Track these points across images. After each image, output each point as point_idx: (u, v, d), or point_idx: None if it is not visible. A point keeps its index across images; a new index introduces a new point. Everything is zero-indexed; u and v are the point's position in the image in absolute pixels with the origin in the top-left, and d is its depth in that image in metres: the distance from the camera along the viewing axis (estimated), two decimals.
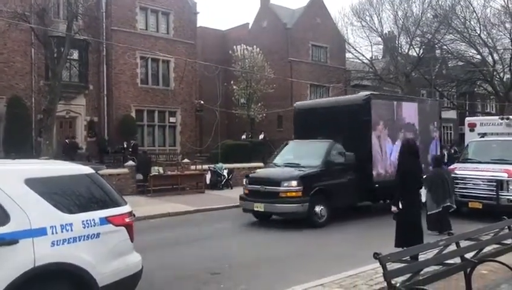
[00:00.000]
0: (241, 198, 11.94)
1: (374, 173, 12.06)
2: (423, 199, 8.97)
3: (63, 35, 20.14)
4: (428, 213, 9.70)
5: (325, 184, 11.00)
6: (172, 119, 28.02)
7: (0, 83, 21.96)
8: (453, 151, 26.22)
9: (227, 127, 32.97)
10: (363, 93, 13.14)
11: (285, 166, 11.70)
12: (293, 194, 10.62)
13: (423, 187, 8.33)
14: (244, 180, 12.25)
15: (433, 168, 10.54)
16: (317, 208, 10.79)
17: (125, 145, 23.22)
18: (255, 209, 11.12)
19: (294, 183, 10.68)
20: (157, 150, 26.21)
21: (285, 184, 10.72)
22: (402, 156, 6.99)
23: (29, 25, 19.09)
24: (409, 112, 13.48)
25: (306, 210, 10.57)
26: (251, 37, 35.91)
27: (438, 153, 14.35)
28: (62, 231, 4.21)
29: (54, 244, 4.14)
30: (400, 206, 6.57)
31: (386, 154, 12.49)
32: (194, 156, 24.93)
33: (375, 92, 14.77)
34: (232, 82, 30.93)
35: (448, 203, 9.83)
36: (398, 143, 12.52)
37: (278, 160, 12.44)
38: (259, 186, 11.17)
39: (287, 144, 13.53)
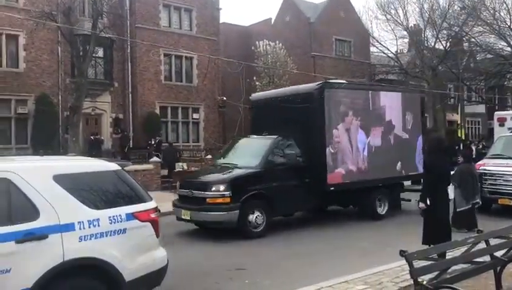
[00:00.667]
0: (173, 204, 10.34)
1: (334, 172, 10.43)
2: (451, 196, 8.81)
3: (88, 33, 20.48)
4: (458, 210, 9.52)
5: (263, 188, 9.46)
6: (195, 116, 28.21)
7: (29, 81, 22.50)
8: (481, 146, 25.63)
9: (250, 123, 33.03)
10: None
11: (223, 166, 10.40)
12: (220, 200, 9.10)
13: (451, 184, 8.18)
14: (178, 183, 10.97)
15: (462, 164, 10.32)
16: (251, 216, 9.22)
17: (152, 142, 23.50)
18: (183, 217, 9.67)
19: (222, 187, 9.17)
20: (181, 146, 26.43)
21: (213, 189, 9.23)
22: (430, 153, 6.87)
23: (56, 24, 19.47)
24: (389, 102, 11.80)
25: (235, 219, 9.02)
26: (274, 32, 35.78)
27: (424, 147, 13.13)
28: (89, 227, 4.28)
29: (81, 240, 4.22)
30: (428, 202, 6.45)
31: (358, 150, 10.99)
32: (217, 152, 25.03)
33: (331, 80, 12.94)
34: (254, 78, 30.90)
35: (477, 200, 9.67)
36: (374, 136, 11.31)
37: (220, 159, 11.32)
38: (187, 191, 9.81)
39: (236, 140, 12.33)
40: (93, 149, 20.73)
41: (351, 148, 10.87)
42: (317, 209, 11.88)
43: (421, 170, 11.53)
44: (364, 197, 11.20)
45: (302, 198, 10.23)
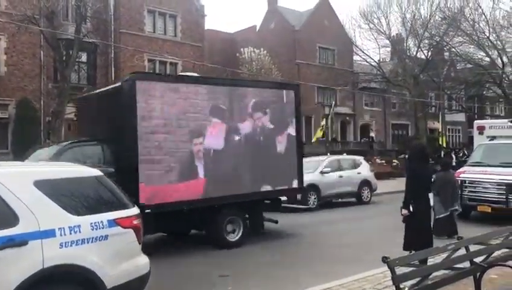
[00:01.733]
0: None
1: (152, 189, 7.92)
2: (431, 203, 8.96)
3: (71, 37, 20.30)
4: (437, 217, 9.65)
5: None
6: None
7: (10, 85, 22.15)
8: (461, 154, 26.07)
9: None
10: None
11: None
12: None
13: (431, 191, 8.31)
14: None
15: (441, 172, 10.48)
16: None
17: None
18: None
19: None
20: None
21: None
22: (412, 160, 6.98)
23: (38, 27, 19.25)
24: (243, 100, 9.43)
25: None
26: (258, 39, 35.98)
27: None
28: (70, 233, 4.21)
29: (62, 246, 4.14)
30: (411, 209, 6.53)
31: (191, 158, 8.53)
32: None
33: (143, 72, 10.63)
34: None
35: (456, 207, 9.83)
36: (217, 141, 8.90)
37: None
38: None
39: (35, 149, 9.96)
40: None
41: (179, 156, 8.41)
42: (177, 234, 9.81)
43: (296, 184, 10.14)
44: (209, 219, 8.89)
45: None
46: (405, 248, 6.63)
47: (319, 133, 22.47)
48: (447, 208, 9.64)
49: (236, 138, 9.22)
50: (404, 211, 6.63)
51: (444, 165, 10.78)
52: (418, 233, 6.56)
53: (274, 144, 9.85)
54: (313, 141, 23.49)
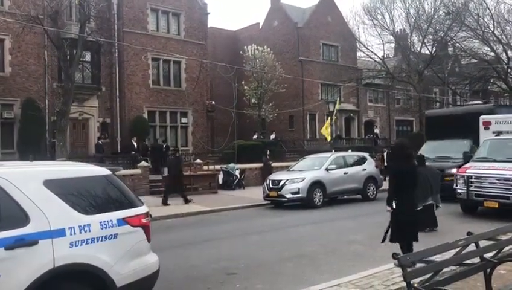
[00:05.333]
0: None
1: None
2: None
3: (75, 37, 20.30)
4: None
5: None
6: (184, 120, 28.14)
7: (15, 86, 22.22)
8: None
9: (238, 127, 33.14)
10: None
11: None
12: None
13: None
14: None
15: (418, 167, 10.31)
16: None
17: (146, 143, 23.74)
18: None
19: None
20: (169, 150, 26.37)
21: None
22: (393, 158, 7.07)
23: (43, 27, 19.27)
24: None
25: None
26: (262, 36, 35.95)
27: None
28: (80, 232, 4.24)
29: (72, 245, 4.17)
30: (394, 205, 6.69)
31: None
32: (206, 156, 25.02)
33: None
34: (243, 82, 30.97)
35: (431, 202, 9.78)
36: None
37: None
38: None
39: None
40: (100, 152, 21.05)
41: None
42: None
43: None
44: None
45: None
46: (392, 241, 6.76)
47: (327, 131, 22.44)
48: (420, 203, 9.35)
49: None
50: (388, 208, 6.79)
51: (419, 160, 10.33)
52: (402, 227, 6.67)
53: None
54: (329, 141, 23.52)
